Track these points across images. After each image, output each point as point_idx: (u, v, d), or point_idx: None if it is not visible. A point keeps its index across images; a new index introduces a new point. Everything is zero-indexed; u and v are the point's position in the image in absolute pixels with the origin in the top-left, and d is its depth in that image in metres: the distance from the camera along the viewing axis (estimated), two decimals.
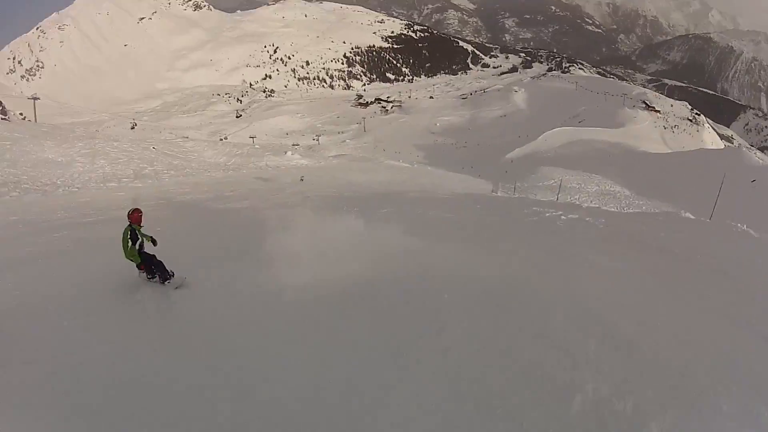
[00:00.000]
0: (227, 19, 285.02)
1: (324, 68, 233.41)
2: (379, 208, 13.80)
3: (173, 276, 7.72)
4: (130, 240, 7.30)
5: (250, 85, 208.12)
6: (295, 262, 7.87)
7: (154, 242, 7.70)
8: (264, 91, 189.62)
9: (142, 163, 39.85)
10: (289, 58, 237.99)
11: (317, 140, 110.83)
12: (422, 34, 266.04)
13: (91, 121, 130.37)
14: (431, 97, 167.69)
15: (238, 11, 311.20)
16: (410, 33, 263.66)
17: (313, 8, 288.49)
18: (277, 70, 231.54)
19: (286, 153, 57.50)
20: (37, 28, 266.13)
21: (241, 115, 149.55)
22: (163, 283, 7.60)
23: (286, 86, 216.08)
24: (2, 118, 61.54)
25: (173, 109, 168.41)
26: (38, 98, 78.23)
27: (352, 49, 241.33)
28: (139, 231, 7.49)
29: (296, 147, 74.27)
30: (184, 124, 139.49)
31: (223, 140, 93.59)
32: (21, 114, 75.43)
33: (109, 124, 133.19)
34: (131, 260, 7.43)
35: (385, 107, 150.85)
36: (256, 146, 67.50)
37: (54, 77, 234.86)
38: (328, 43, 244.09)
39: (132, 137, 68.34)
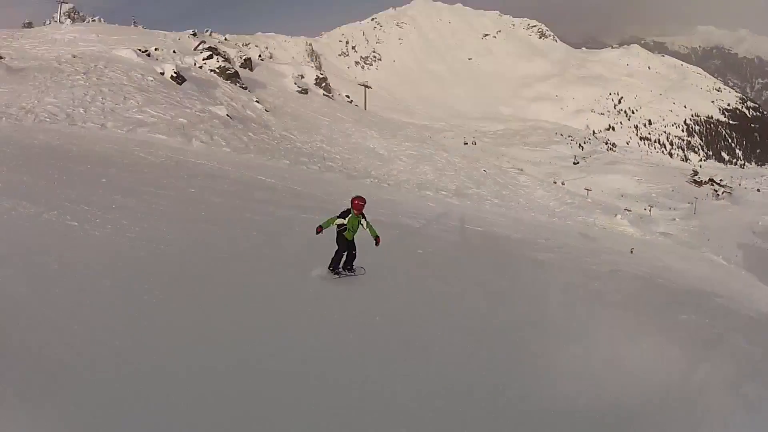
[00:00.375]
0: (573, 55, 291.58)
1: (665, 131, 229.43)
2: (680, 313, 11.28)
3: (346, 273, 7.84)
4: (340, 215, 7.63)
5: (593, 132, 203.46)
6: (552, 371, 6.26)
7: (376, 241, 7.92)
8: (606, 143, 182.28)
9: (468, 182, 39.94)
10: (633, 112, 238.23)
11: (649, 211, 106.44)
12: (754, 113, 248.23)
13: (425, 126, 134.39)
14: (758, 190, 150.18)
15: (583, 48, 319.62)
16: (744, 109, 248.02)
17: (655, 60, 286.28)
18: (620, 122, 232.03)
19: (616, 216, 55.13)
20: (372, 19, 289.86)
21: (578, 162, 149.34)
22: (330, 267, 7.76)
23: (627, 143, 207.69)
24: (324, 95, 65.07)
25: (515, 138, 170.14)
26: (370, 87, 79.51)
27: (692, 116, 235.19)
28: (354, 218, 7.70)
29: (628, 213, 70.87)
30: (522, 156, 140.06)
31: (558, 184, 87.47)
32: (348, 97, 78.38)
33: (446, 134, 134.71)
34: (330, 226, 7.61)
35: (717, 191, 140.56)
36: (589, 200, 65.24)
37: (391, 71, 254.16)
38: (670, 104, 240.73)
39: (464, 153, 68.25)
